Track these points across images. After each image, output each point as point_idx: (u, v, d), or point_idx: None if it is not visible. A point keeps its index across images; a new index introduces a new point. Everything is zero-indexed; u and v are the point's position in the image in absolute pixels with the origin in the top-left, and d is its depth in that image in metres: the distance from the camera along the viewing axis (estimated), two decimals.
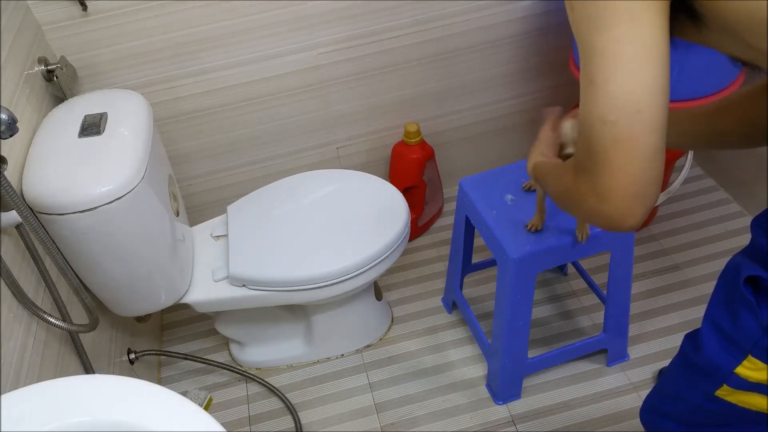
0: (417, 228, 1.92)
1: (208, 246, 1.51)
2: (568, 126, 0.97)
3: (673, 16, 0.62)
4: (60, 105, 1.31)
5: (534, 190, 1.34)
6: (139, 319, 1.50)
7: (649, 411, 0.88)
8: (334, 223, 1.44)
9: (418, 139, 1.76)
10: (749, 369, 0.70)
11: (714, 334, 0.74)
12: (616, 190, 0.63)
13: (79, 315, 1.27)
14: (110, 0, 1.41)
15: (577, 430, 1.45)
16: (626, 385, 1.52)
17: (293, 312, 1.60)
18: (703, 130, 0.86)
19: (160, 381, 1.68)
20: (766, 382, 0.69)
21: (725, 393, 0.73)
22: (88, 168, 1.13)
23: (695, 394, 0.76)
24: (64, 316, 1.19)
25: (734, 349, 0.71)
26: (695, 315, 1.64)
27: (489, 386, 1.54)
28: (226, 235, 1.51)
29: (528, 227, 1.26)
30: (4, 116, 0.89)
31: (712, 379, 0.74)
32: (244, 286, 1.39)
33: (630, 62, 0.60)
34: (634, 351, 1.58)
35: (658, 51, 0.60)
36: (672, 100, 1.44)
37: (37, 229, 0.97)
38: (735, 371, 0.71)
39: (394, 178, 1.83)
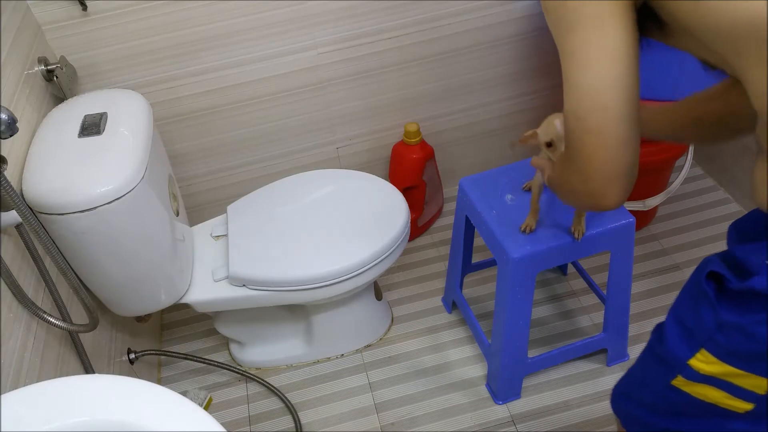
0: (417, 228, 1.92)
1: (208, 246, 1.51)
2: (545, 126, 1.05)
3: (642, 20, 0.66)
4: (60, 105, 1.31)
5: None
6: (139, 319, 1.50)
7: (620, 395, 0.90)
8: (334, 223, 1.44)
9: (418, 139, 1.76)
10: (701, 362, 0.72)
11: (675, 325, 0.77)
12: (594, 174, 0.71)
13: (79, 315, 1.27)
14: (110, 0, 1.41)
15: (576, 430, 1.45)
16: None
17: (293, 312, 1.60)
18: (687, 120, 0.91)
19: (160, 381, 1.68)
20: (717, 375, 0.71)
21: (681, 383, 0.76)
22: (88, 168, 1.13)
23: (658, 382, 0.79)
24: (64, 316, 1.19)
25: (691, 341, 0.73)
26: None
27: (489, 386, 1.54)
28: (226, 235, 1.51)
29: (522, 228, 1.26)
30: (4, 116, 0.89)
31: (669, 368, 0.76)
32: (244, 286, 1.39)
33: (596, 63, 0.66)
34: (634, 351, 1.58)
35: (623, 52, 0.65)
36: (671, 100, 1.44)
37: (37, 229, 0.97)
38: (689, 363, 0.73)
39: (394, 178, 1.83)
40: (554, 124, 1.03)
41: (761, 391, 0.68)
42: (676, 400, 0.76)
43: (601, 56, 0.65)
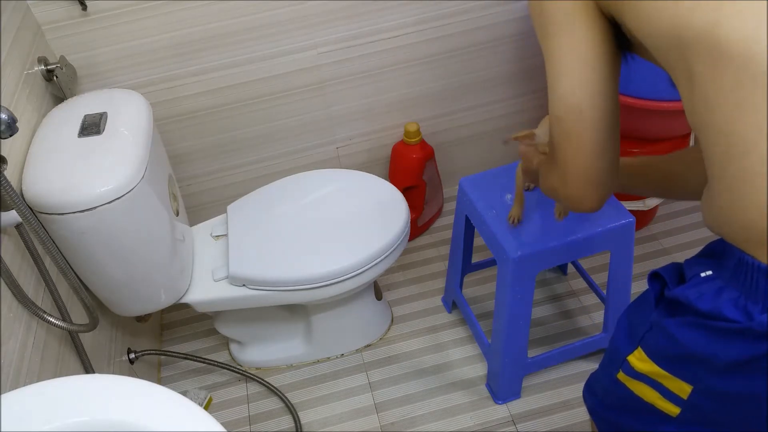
0: (417, 228, 1.92)
1: (208, 246, 1.51)
2: (543, 126, 1.04)
3: (618, 32, 0.68)
4: (60, 105, 1.31)
5: (533, 190, 1.34)
6: (139, 318, 1.50)
7: (587, 385, 0.91)
8: (334, 223, 1.44)
9: (418, 138, 1.76)
10: (637, 359, 0.73)
11: (624, 320, 0.78)
12: (570, 177, 0.73)
13: (79, 315, 1.28)
14: (110, 0, 1.41)
15: (577, 430, 1.45)
16: None
17: (293, 312, 1.60)
18: (659, 177, 0.90)
19: (160, 381, 1.68)
20: (649, 375, 0.72)
21: (623, 378, 0.77)
22: (88, 168, 1.13)
23: (607, 375, 0.80)
24: (64, 316, 1.19)
25: (632, 338, 0.75)
26: None
27: (489, 386, 1.54)
28: (226, 235, 1.51)
29: (509, 220, 1.26)
30: (4, 116, 0.89)
31: (615, 362, 0.78)
32: (244, 285, 1.39)
33: (570, 68, 0.68)
34: None
35: (595, 58, 0.67)
36: (670, 100, 1.44)
37: (37, 229, 0.97)
38: (627, 359, 0.74)
39: (394, 178, 1.83)
40: None
41: (684, 396, 0.69)
42: (619, 394, 0.77)
43: (575, 62, 0.67)
